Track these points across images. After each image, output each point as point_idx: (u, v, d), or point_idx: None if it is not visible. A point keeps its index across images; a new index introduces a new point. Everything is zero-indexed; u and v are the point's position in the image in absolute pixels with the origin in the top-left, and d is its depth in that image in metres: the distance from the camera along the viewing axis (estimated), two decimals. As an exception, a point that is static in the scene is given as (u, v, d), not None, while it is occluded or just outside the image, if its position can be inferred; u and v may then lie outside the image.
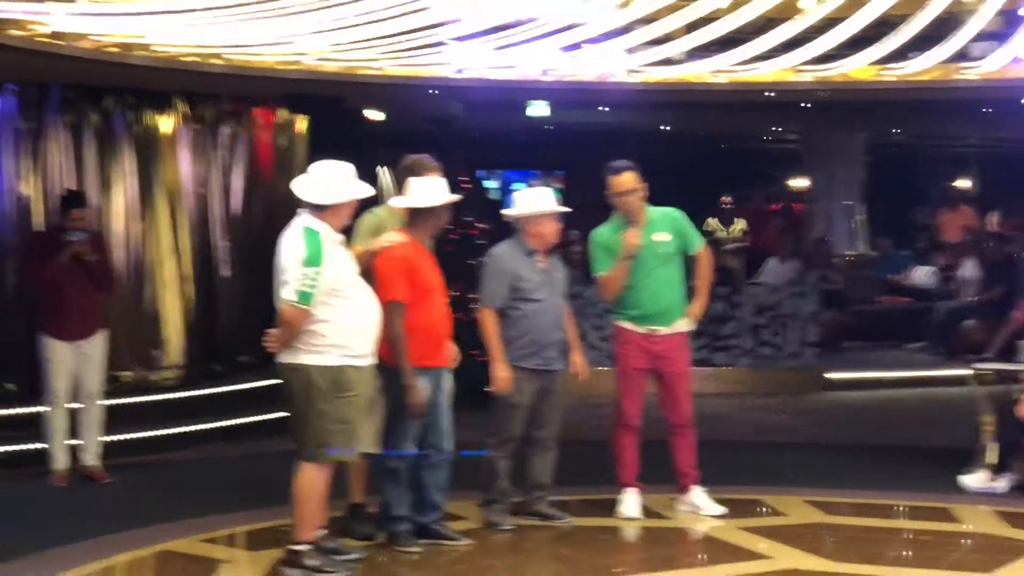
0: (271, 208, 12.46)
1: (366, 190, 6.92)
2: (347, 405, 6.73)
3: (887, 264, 17.96)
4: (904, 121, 19.04)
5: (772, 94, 12.19)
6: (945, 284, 16.63)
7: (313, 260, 6.60)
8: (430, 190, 7.39)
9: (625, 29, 9.54)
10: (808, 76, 11.48)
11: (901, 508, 8.78)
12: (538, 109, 13.32)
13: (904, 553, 7.81)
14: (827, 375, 14.12)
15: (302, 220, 6.77)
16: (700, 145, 16.29)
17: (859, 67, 11.40)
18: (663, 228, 8.13)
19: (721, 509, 8.21)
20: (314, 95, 12.02)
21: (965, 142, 22.39)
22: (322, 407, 6.68)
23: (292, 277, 6.60)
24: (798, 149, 20.69)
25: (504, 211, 7.98)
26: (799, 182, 20.86)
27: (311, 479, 6.77)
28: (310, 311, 6.60)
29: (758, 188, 20.39)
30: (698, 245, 8.33)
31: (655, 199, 8.23)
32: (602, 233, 8.18)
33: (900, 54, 11.40)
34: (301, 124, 13.17)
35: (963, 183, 22.30)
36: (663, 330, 8.15)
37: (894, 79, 11.57)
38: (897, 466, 9.89)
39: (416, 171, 7.62)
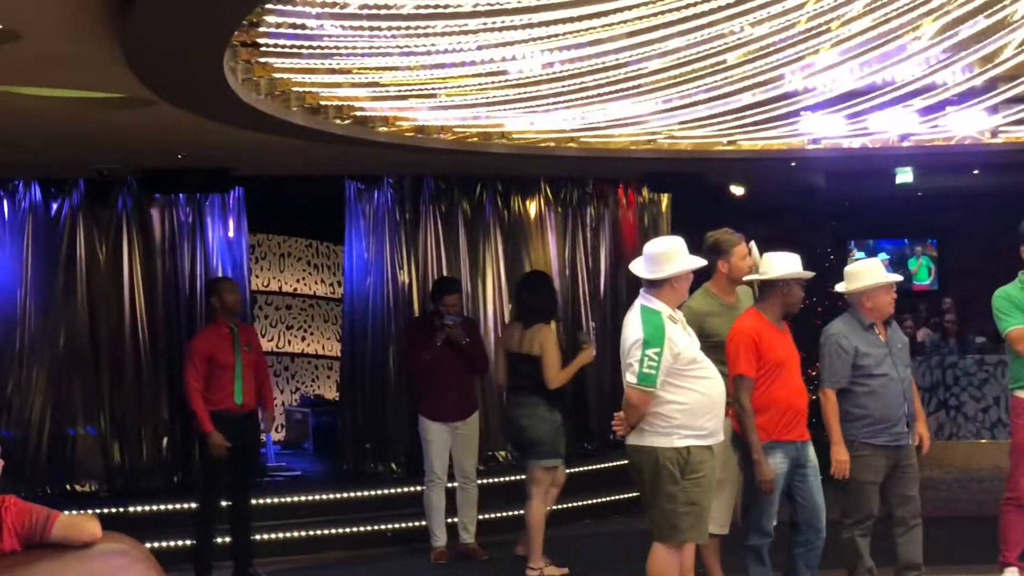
0: (635, 287, 12.57)
1: (696, 262, 6.79)
2: (695, 486, 6.59)
3: None
4: None
5: None
6: None
7: (653, 341, 6.48)
8: (779, 263, 7.27)
9: (986, 88, 9.19)
10: None
11: None
12: (904, 175, 12.97)
13: None
14: None
15: (641, 299, 6.74)
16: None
17: None
18: None
19: (1109, 588, 7.73)
20: (673, 172, 12.07)
21: None
22: (670, 489, 6.55)
23: (633, 359, 6.49)
24: None
25: (837, 287, 7.70)
26: None
27: (663, 560, 6.67)
28: (653, 393, 6.48)
29: None
30: None
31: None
32: (1008, 291, 7.91)
33: None
34: (662, 201, 13.30)
35: None
36: None
37: None
38: None
39: (722, 247, 7.58)
